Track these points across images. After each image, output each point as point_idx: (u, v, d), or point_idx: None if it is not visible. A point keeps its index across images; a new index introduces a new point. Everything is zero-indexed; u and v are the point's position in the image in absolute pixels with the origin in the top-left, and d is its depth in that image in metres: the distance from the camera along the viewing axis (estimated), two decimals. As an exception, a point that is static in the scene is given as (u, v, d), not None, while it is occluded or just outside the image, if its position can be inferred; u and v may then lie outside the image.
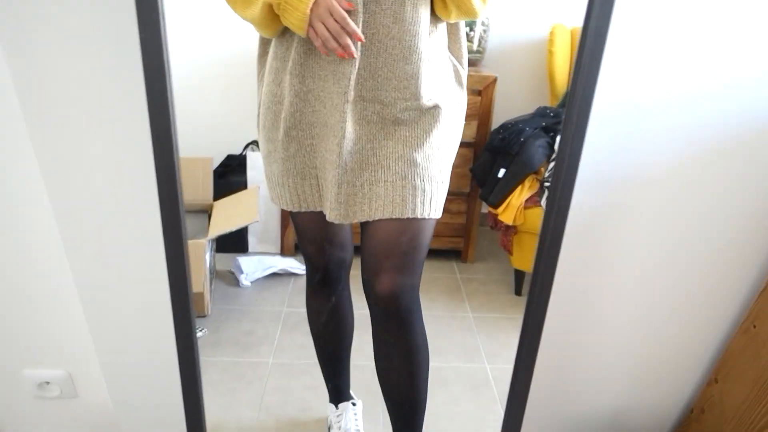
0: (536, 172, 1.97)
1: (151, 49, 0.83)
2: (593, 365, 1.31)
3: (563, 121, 0.92)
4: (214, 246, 2.05)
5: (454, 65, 1.12)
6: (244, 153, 2.26)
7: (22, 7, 0.88)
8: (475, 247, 2.39)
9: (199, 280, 1.80)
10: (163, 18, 0.83)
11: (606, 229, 1.14)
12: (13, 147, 1.02)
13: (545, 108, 2.17)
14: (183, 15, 1.94)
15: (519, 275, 2.16)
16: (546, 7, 2.34)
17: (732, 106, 1.03)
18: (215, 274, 2.12)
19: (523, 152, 1.97)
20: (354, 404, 1.48)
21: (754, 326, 1.13)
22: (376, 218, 1.04)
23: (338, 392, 1.47)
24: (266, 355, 1.75)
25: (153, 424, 1.30)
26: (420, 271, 1.11)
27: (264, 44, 1.13)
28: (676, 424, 1.41)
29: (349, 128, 1.01)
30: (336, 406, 1.46)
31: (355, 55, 0.96)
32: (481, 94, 2.12)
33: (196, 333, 1.06)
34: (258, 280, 2.14)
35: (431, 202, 1.06)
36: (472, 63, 2.15)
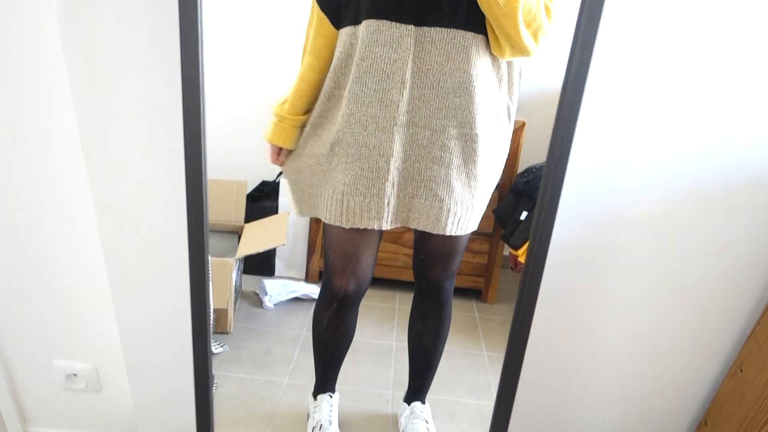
0: (558, 217, 2.00)
1: (191, 112, 0.93)
2: (579, 413, 1.33)
3: (545, 168, 0.99)
4: (242, 266, 2.13)
5: (506, 101, 1.21)
6: (277, 180, 2.35)
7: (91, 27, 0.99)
8: (496, 288, 2.41)
9: (225, 297, 1.87)
10: (202, 46, 0.92)
11: (589, 272, 1.18)
12: (64, 145, 1.12)
13: (571, 155, 2.21)
14: (226, 47, 2.06)
15: (537, 318, 2.16)
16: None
17: (713, 161, 1.09)
18: (241, 294, 2.19)
19: (546, 197, 2.01)
20: (330, 396, 1.59)
21: (741, 370, 1.16)
22: (412, 227, 1.22)
23: (324, 387, 1.59)
24: (282, 375, 1.80)
25: (168, 426, 1.36)
26: (459, 264, 1.41)
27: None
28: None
29: (398, 148, 1.13)
30: (315, 398, 1.59)
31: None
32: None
33: (210, 341, 1.12)
34: (281, 303, 2.21)
35: (460, 222, 1.21)
36: (502, 108, 2.22)
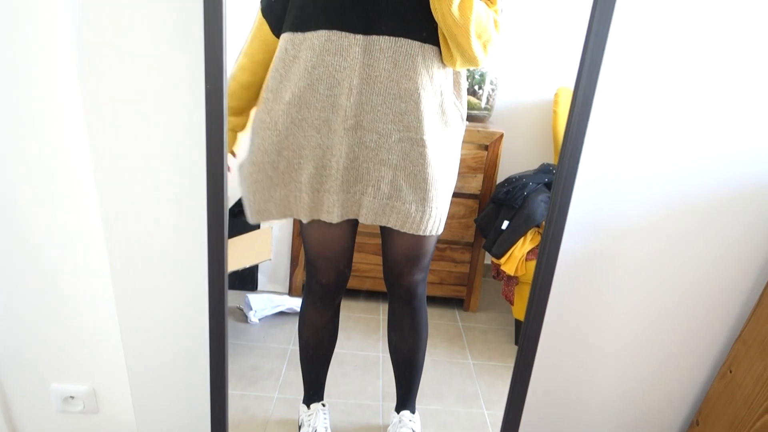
0: (538, 226, 2.05)
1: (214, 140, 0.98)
2: (579, 413, 1.36)
3: (554, 178, 1.02)
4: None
5: (456, 106, 1.26)
6: (259, 195, 2.34)
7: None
8: (478, 297, 2.44)
9: (211, 314, 1.86)
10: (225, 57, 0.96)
11: (592, 279, 1.22)
12: (69, 150, 1.13)
13: (549, 165, 2.26)
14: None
15: (519, 325, 2.20)
16: (552, 70, 2.45)
17: (709, 175, 1.15)
18: (225, 309, 2.17)
19: (526, 206, 2.05)
20: (324, 405, 1.63)
21: (731, 371, 1.20)
22: (360, 221, 1.29)
23: (313, 395, 1.63)
24: (271, 390, 1.79)
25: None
26: (427, 269, 1.45)
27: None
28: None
29: (346, 149, 1.19)
30: (308, 407, 1.62)
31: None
32: (488, 149, 2.22)
33: (227, 358, 1.12)
34: (266, 317, 2.20)
35: (407, 220, 1.26)
36: (480, 119, 2.26)
